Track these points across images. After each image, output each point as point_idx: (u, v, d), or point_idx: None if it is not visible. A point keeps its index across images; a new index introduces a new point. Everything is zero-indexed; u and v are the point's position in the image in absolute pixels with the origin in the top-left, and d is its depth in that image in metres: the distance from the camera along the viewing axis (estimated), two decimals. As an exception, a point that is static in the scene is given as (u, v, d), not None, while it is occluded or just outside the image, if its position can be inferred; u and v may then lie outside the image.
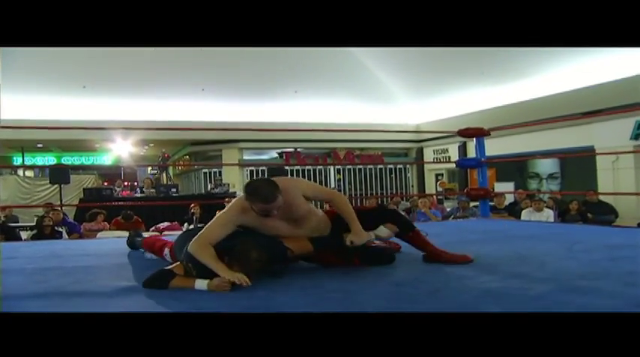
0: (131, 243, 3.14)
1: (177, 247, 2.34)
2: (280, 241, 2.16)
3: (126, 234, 5.34)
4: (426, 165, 14.17)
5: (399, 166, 14.51)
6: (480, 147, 4.72)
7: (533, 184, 10.63)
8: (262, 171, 12.53)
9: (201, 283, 1.90)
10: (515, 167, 10.82)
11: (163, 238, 2.88)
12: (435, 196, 9.50)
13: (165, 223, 6.89)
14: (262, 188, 2.06)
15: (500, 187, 10.19)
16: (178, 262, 2.06)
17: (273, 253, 2.04)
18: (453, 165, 6.13)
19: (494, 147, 6.75)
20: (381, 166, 14.20)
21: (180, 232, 2.99)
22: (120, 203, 8.19)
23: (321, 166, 13.89)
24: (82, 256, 3.00)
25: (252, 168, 13.10)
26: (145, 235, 3.36)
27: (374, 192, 14.00)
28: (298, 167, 13.51)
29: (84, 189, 9.90)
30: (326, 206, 2.47)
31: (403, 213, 7.38)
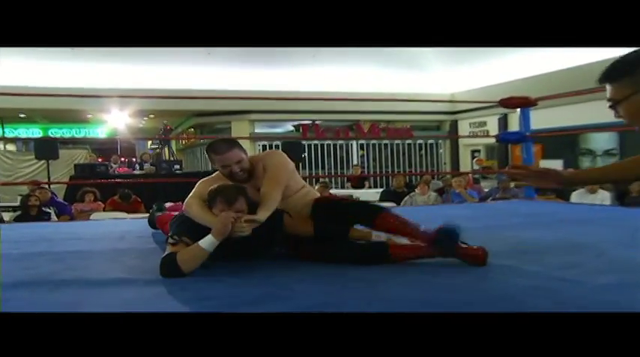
0: (150, 219, 3.13)
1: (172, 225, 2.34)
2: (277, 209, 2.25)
3: (123, 215, 5.38)
4: (460, 139, 13.98)
5: (430, 141, 14.39)
6: (525, 119, 4.60)
7: (585, 162, 10.42)
8: (276, 145, 12.52)
9: (206, 241, 1.99)
10: (565, 142, 10.60)
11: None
12: (471, 175, 9.39)
13: (169, 204, 6.90)
14: (217, 141, 2.35)
15: (547, 164, 10.00)
16: (169, 243, 2.09)
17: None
18: (492, 140, 6.02)
19: (541, 119, 6.58)
20: (409, 141, 14.10)
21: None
22: (116, 181, 8.20)
23: (342, 141, 13.84)
24: (74, 240, 3.03)
25: (265, 142, 13.12)
26: (168, 204, 3.37)
27: (401, 170, 13.95)
28: (317, 142, 13.49)
29: (75, 165, 9.72)
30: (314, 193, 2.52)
31: (432, 194, 7.34)
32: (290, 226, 2.25)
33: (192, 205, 2.18)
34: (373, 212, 2.27)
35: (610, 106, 1.42)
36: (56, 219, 6.02)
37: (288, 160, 2.43)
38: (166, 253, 2.04)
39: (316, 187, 6.42)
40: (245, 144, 12.52)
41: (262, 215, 2.06)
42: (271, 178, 2.29)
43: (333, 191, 8.16)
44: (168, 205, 3.45)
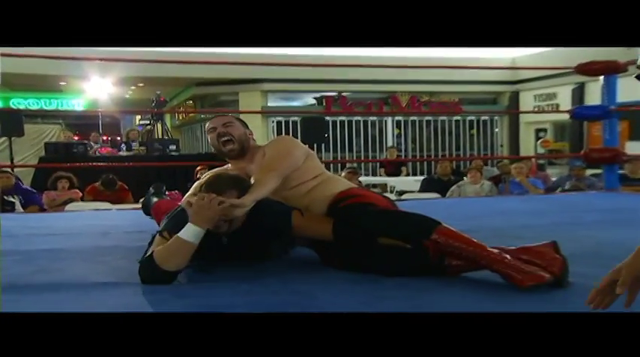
0: (145, 204, 3.09)
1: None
2: (285, 205, 2.26)
3: (107, 206, 5.41)
4: (522, 116, 13.85)
5: (483, 118, 14.28)
6: (610, 89, 4.48)
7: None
8: (294, 122, 12.54)
9: (187, 231, 1.98)
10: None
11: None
12: (534, 160, 9.29)
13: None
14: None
15: (635, 147, 9.78)
16: (155, 242, 2.10)
17: (270, 209, 2.19)
18: (564, 116, 5.92)
19: (628, 90, 6.40)
20: (458, 118, 14.02)
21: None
22: (98, 165, 8.26)
23: (374, 117, 13.83)
24: (46, 237, 3.08)
25: (280, 118, 13.16)
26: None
27: (447, 153, 13.88)
28: (343, 117, 13.49)
29: (46, 144, 9.60)
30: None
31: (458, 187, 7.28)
32: (301, 227, 2.21)
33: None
34: (424, 228, 2.07)
35: None
36: (22, 210, 6.02)
37: (298, 146, 2.45)
38: (148, 253, 2.05)
39: (342, 174, 6.41)
40: (256, 120, 12.59)
41: (247, 200, 2.07)
42: (267, 163, 2.32)
43: (363, 179, 8.17)
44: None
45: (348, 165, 8.46)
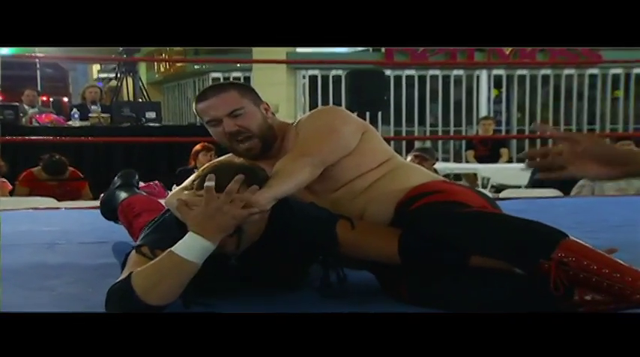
0: (107, 201, 3.13)
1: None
2: (326, 210, 2.24)
3: (51, 203, 5.43)
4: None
5: (636, 71, 13.97)
6: None
7: None
8: (336, 77, 12.53)
9: (185, 244, 1.93)
10: None
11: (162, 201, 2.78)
12: None
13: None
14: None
15: None
16: (129, 263, 2.12)
17: (304, 217, 2.19)
18: None
19: None
20: (594, 71, 13.79)
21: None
22: (36, 140, 8.22)
23: (460, 71, 13.69)
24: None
25: (314, 71, 13.16)
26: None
27: (573, 127, 13.69)
28: (413, 71, 13.41)
29: None
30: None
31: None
32: (351, 244, 2.19)
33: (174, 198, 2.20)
34: (542, 241, 2.01)
35: None
36: None
37: (348, 119, 2.43)
38: (121, 277, 2.04)
39: (408, 158, 6.35)
40: (278, 74, 12.64)
41: (262, 197, 2.00)
42: (299, 146, 2.29)
43: (440, 166, 8.11)
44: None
45: (417, 144, 8.41)
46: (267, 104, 2.46)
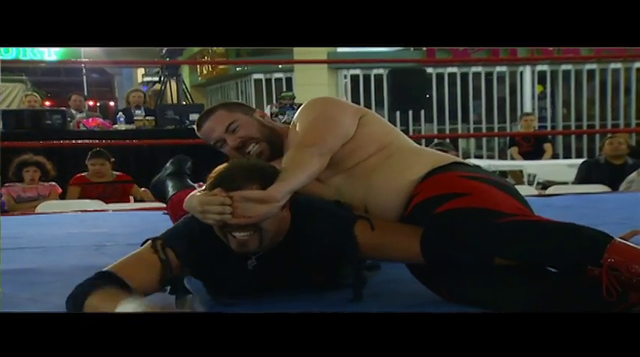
0: (155, 186, 3.10)
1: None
2: (347, 209, 2.20)
3: (99, 206, 5.46)
4: None
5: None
6: None
7: None
8: (378, 76, 12.49)
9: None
10: None
11: None
12: None
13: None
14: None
15: None
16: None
17: (322, 213, 2.17)
18: None
19: None
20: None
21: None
22: (84, 143, 8.19)
23: (503, 67, 13.60)
24: (11, 252, 3.12)
25: (355, 71, 13.15)
26: None
27: (621, 123, 13.52)
28: (455, 69, 13.34)
29: (3, 113, 9.35)
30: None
31: None
32: (371, 246, 2.15)
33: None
34: (588, 246, 1.96)
35: None
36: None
37: (343, 106, 2.42)
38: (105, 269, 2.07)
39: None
40: (319, 75, 12.65)
41: (276, 190, 1.98)
42: (301, 137, 2.28)
43: (485, 164, 8.04)
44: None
45: (460, 143, 8.34)
46: (261, 111, 2.55)
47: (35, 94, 11.56)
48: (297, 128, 2.36)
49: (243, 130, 2.41)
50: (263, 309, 1.91)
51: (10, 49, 16.35)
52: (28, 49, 16.36)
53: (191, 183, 3.01)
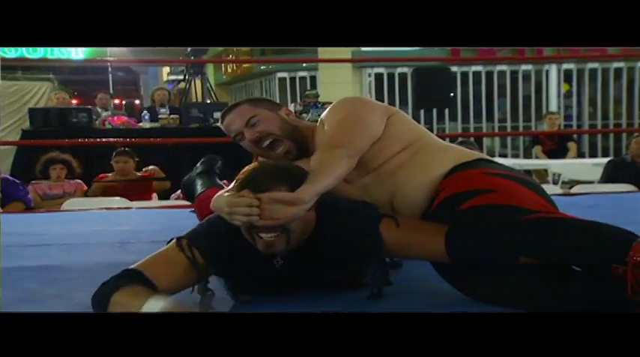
0: (186, 185, 3.13)
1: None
2: (373, 208, 2.18)
3: (124, 204, 5.47)
4: None
5: None
6: None
7: None
8: (402, 74, 12.46)
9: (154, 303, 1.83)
10: None
11: None
12: None
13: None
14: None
15: None
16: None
17: (347, 213, 2.16)
18: None
19: None
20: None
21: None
22: (108, 142, 8.20)
23: (529, 66, 13.52)
24: (36, 248, 3.18)
25: (380, 69, 13.12)
26: None
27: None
28: (480, 67, 13.28)
29: (31, 110, 9.46)
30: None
31: None
32: (397, 245, 2.14)
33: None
34: (613, 245, 1.93)
35: None
36: (-1, 209, 6.15)
37: (371, 106, 2.40)
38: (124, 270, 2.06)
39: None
40: (344, 74, 12.61)
41: (305, 192, 1.97)
42: (329, 138, 2.27)
43: (509, 163, 8.00)
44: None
45: (485, 141, 8.30)
46: (287, 109, 2.55)
47: (62, 92, 11.56)
48: (326, 128, 2.36)
49: (263, 125, 2.42)
50: (282, 308, 1.93)
51: (38, 48, 16.40)
52: (56, 49, 16.40)
53: (219, 182, 3.01)
